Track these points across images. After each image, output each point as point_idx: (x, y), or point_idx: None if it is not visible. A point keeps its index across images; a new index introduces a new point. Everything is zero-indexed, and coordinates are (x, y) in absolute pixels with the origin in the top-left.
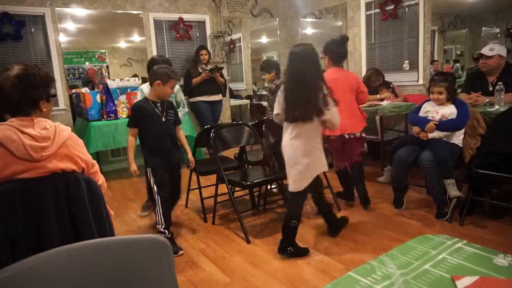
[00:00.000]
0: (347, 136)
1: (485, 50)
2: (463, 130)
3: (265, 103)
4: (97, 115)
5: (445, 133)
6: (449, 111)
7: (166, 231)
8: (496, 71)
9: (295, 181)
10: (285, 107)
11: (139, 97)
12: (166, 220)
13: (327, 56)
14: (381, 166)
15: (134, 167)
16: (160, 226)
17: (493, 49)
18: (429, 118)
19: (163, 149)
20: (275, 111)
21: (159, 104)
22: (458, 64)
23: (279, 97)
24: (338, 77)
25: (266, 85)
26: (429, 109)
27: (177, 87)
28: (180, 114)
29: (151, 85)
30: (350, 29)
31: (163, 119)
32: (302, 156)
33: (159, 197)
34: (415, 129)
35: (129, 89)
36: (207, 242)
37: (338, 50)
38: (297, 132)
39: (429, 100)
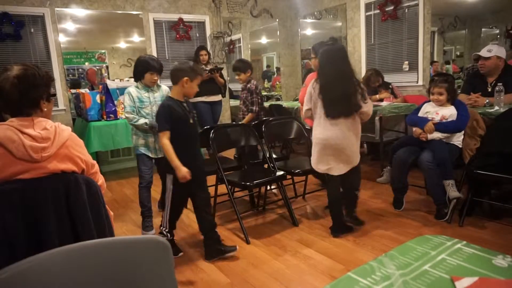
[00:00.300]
0: None
1: (483, 52)
2: (463, 131)
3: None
4: (96, 116)
5: (445, 134)
6: (449, 112)
7: (169, 234)
8: (495, 72)
9: (355, 157)
10: (324, 104)
11: (127, 101)
12: (171, 225)
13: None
14: (380, 167)
15: (185, 169)
16: (163, 228)
17: (491, 50)
18: (429, 119)
19: (191, 154)
20: (306, 107)
21: (185, 104)
22: (449, 66)
23: (312, 94)
24: None
25: (249, 85)
26: (429, 110)
27: (167, 88)
28: None
29: (175, 83)
30: (350, 29)
31: (191, 121)
32: (352, 143)
33: (170, 204)
34: (416, 130)
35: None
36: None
37: None
38: (340, 125)
39: (429, 101)
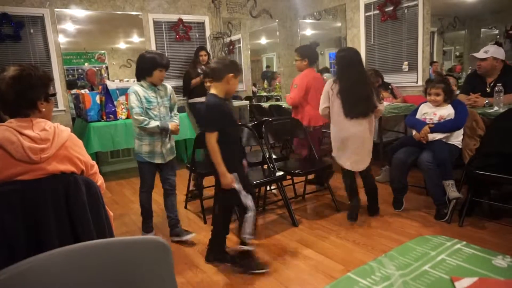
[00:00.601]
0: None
1: (480, 53)
2: (462, 131)
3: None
4: (96, 116)
5: (445, 133)
6: (447, 112)
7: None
8: (493, 73)
9: (370, 154)
10: (344, 105)
11: (134, 101)
12: (254, 229)
13: (306, 59)
14: (380, 167)
15: (230, 175)
16: (248, 236)
17: (487, 52)
18: (427, 119)
19: (240, 154)
20: (324, 105)
21: (227, 102)
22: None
23: (330, 93)
24: (316, 76)
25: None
26: (427, 111)
27: (170, 88)
28: (176, 118)
29: (219, 79)
30: (349, 30)
31: (235, 118)
32: (369, 139)
33: (249, 205)
34: (415, 134)
35: (128, 90)
36: (207, 243)
37: (314, 54)
38: (359, 124)
39: (425, 102)
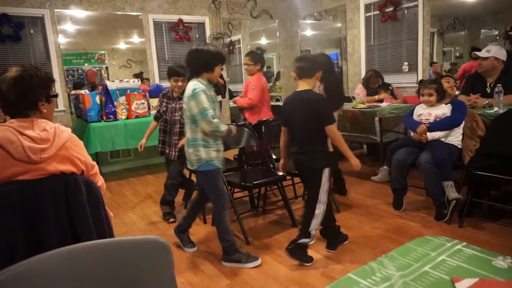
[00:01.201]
0: None
1: (482, 52)
2: (461, 131)
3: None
4: (96, 116)
5: (443, 132)
6: (441, 111)
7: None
8: (493, 73)
9: None
10: (332, 101)
11: (206, 102)
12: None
13: (259, 64)
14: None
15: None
16: (313, 230)
17: (490, 51)
18: (423, 120)
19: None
20: None
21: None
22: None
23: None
24: (265, 80)
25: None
26: (422, 112)
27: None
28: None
29: (311, 76)
30: (349, 30)
31: None
32: None
33: (327, 202)
34: (414, 135)
35: (128, 91)
36: (207, 243)
37: (264, 60)
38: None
39: (420, 104)
